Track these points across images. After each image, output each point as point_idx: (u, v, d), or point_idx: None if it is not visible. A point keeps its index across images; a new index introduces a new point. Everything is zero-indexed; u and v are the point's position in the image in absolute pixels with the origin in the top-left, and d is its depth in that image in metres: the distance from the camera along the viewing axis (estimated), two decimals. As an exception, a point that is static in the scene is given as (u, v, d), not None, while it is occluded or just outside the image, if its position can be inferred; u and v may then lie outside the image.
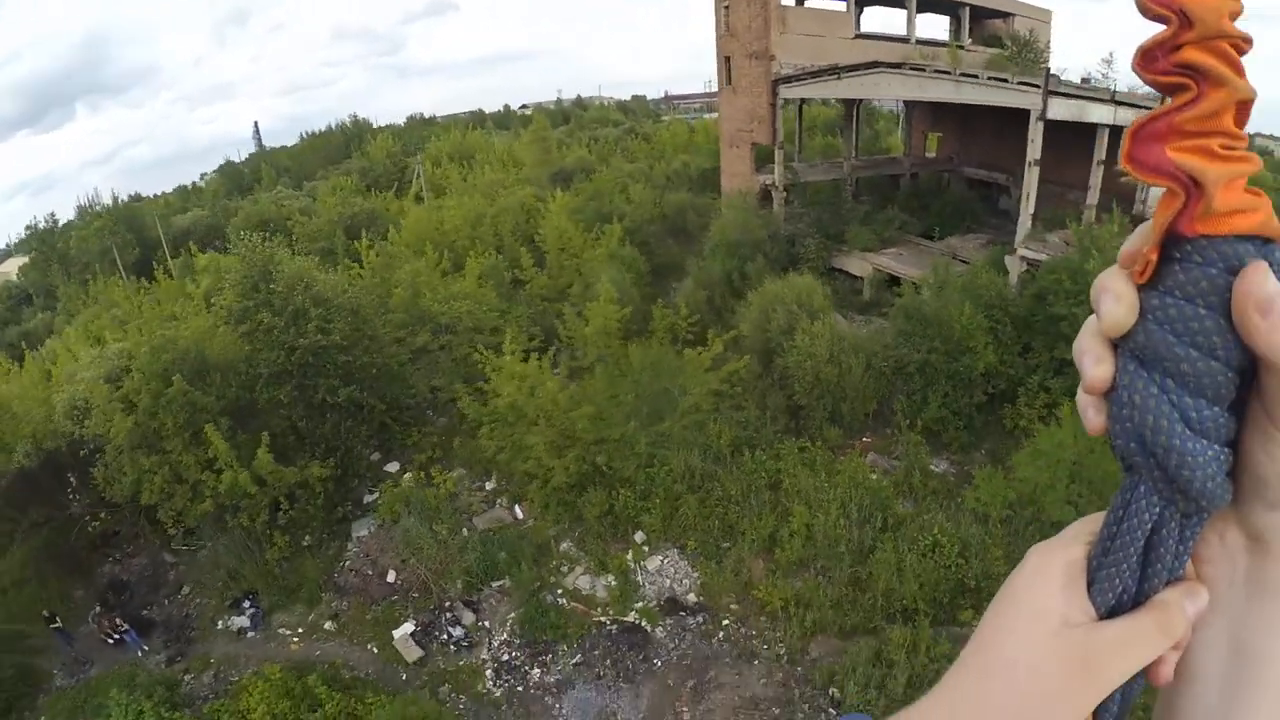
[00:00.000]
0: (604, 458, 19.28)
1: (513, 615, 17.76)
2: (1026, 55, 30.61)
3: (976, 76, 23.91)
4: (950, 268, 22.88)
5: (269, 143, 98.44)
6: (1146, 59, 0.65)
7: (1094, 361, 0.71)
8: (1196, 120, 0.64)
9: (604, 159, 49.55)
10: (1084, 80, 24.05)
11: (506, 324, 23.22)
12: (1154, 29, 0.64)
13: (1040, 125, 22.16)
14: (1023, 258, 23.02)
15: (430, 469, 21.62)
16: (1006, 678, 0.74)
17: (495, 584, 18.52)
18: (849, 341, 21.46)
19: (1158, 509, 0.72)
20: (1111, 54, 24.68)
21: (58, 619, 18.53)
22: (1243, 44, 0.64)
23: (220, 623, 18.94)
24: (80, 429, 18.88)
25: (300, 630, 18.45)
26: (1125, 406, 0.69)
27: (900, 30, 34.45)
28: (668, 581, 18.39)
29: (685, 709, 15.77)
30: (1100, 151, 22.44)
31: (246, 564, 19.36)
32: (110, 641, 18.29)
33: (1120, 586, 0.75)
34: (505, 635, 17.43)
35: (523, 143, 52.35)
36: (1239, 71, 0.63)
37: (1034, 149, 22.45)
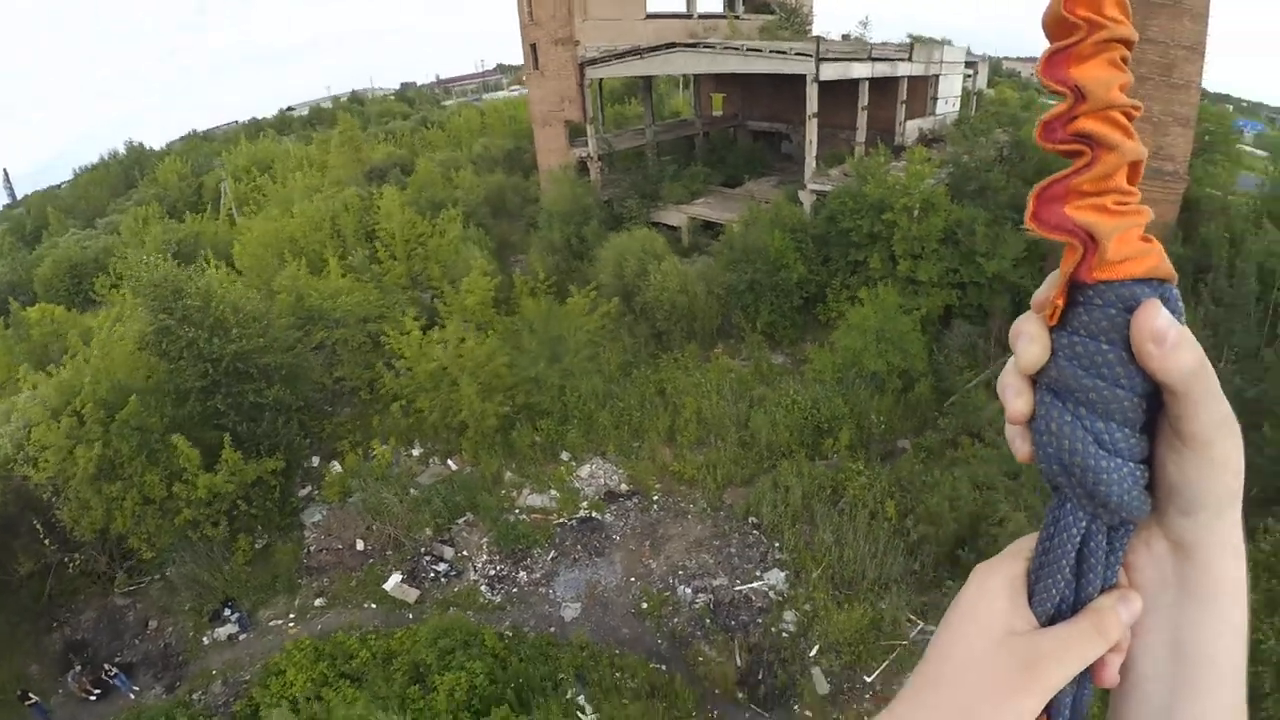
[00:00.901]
0: (523, 396, 22.91)
1: (486, 539, 20.81)
2: (795, 21, 37.25)
3: (761, 50, 29.54)
4: (758, 208, 28.73)
5: (30, 187, 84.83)
6: (1046, 130, 0.74)
7: (1014, 395, 0.81)
8: (1092, 181, 0.72)
9: (413, 151, 50.63)
10: (844, 37, 30.90)
11: (391, 310, 25.65)
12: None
13: (815, 86, 28.14)
14: (812, 191, 29.18)
15: (362, 448, 23.73)
16: (957, 685, 0.81)
17: (461, 520, 21.42)
18: (691, 275, 26.72)
19: (1084, 523, 0.80)
20: (867, 17, 31.51)
21: (30, 695, 17.93)
22: (1133, 111, 0.72)
23: (206, 637, 19.28)
24: (33, 471, 18.73)
25: (292, 616, 19.56)
26: (1044, 434, 0.78)
27: (681, 7, 38.97)
28: (601, 479, 22.50)
29: (650, 561, 20.09)
30: (863, 99, 29.38)
31: (215, 575, 19.94)
32: (92, 698, 17.98)
33: (1058, 596, 0.82)
34: (485, 556, 20.46)
35: (332, 144, 51.96)
36: (1129, 136, 0.72)
37: (811, 104, 28.44)
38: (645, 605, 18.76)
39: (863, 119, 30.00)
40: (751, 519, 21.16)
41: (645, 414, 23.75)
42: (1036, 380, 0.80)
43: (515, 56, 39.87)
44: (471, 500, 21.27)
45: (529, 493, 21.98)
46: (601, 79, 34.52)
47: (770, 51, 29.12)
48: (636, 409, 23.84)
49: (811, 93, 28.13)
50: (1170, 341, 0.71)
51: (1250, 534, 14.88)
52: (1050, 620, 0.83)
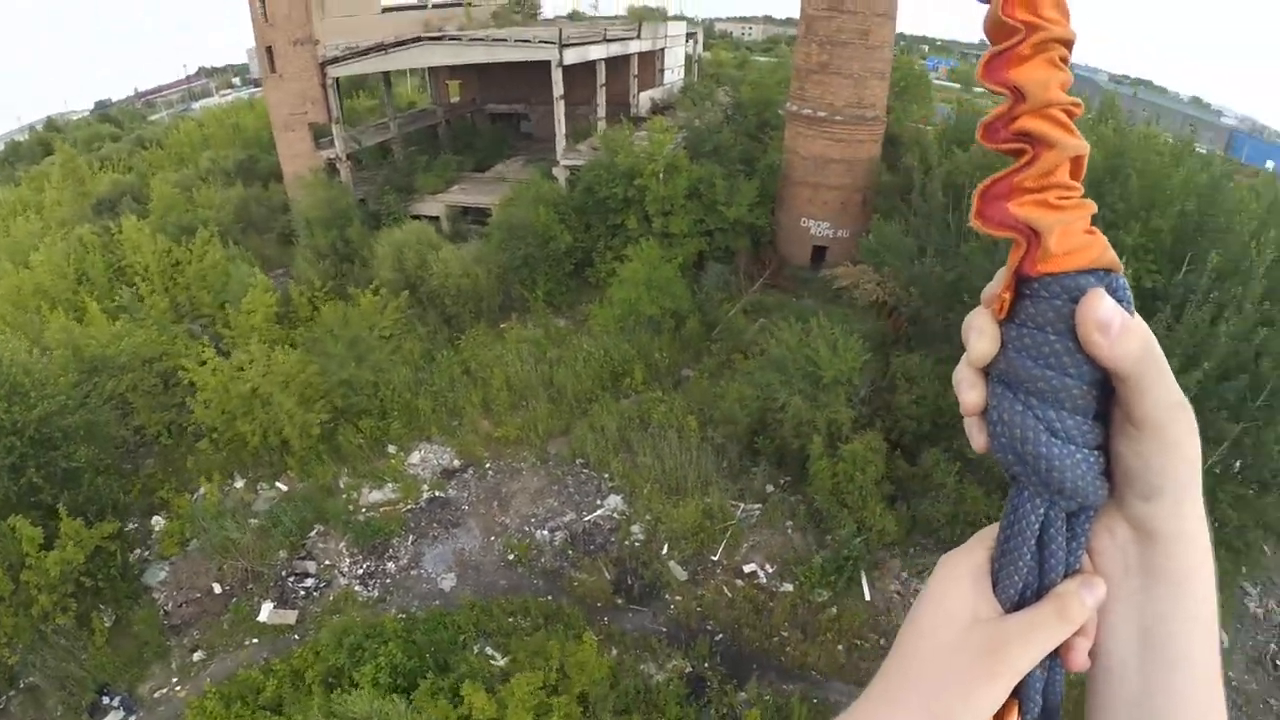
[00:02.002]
0: (340, 400, 22.68)
1: (343, 544, 20.62)
2: (526, 5, 38.17)
3: (506, 40, 30.57)
4: (521, 187, 30.24)
5: None
6: (989, 131, 0.75)
7: (968, 388, 0.82)
8: (1034, 178, 0.73)
9: (140, 175, 43.99)
10: (572, 15, 32.84)
11: (174, 345, 23.56)
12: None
13: (560, 70, 29.91)
14: (566, 166, 31.31)
15: (183, 492, 21.89)
16: (924, 676, 0.82)
17: (312, 533, 20.87)
18: (469, 259, 27.74)
19: (1042, 510, 0.81)
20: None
21: None
22: (1073, 109, 0.73)
23: (90, 734, 17.25)
24: None
25: (175, 681, 17.99)
26: (998, 424, 0.79)
27: (415, -1, 38.36)
28: (433, 461, 23.15)
29: (504, 518, 21.40)
30: (601, 77, 31.72)
31: (74, 664, 17.75)
32: None
33: (1021, 582, 0.83)
34: (348, 559, 20.33)
35: (52, 179, 43.08)
36: (1070, 132, 0.72)
37: (558, 87, 30.24)
38: (512, 556, 20.14)
39: (601, 95, 32.75)
40: (579, 460, 23.29)
41: (458, 393, 24.63)
42: (989, 372, 0.82)
43: (215, 57, 36.35)
44: (317, 512, 20.87)
45: (369, 491, 21.99)
46: (339, 77, 33.29)
47: (515, 41, 30.47)
48: (448, 390, 24.62)
49: (557, 77, 30.04)
50: (1115, 329, 0.73)
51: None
52: (1015, 607, 0.85)
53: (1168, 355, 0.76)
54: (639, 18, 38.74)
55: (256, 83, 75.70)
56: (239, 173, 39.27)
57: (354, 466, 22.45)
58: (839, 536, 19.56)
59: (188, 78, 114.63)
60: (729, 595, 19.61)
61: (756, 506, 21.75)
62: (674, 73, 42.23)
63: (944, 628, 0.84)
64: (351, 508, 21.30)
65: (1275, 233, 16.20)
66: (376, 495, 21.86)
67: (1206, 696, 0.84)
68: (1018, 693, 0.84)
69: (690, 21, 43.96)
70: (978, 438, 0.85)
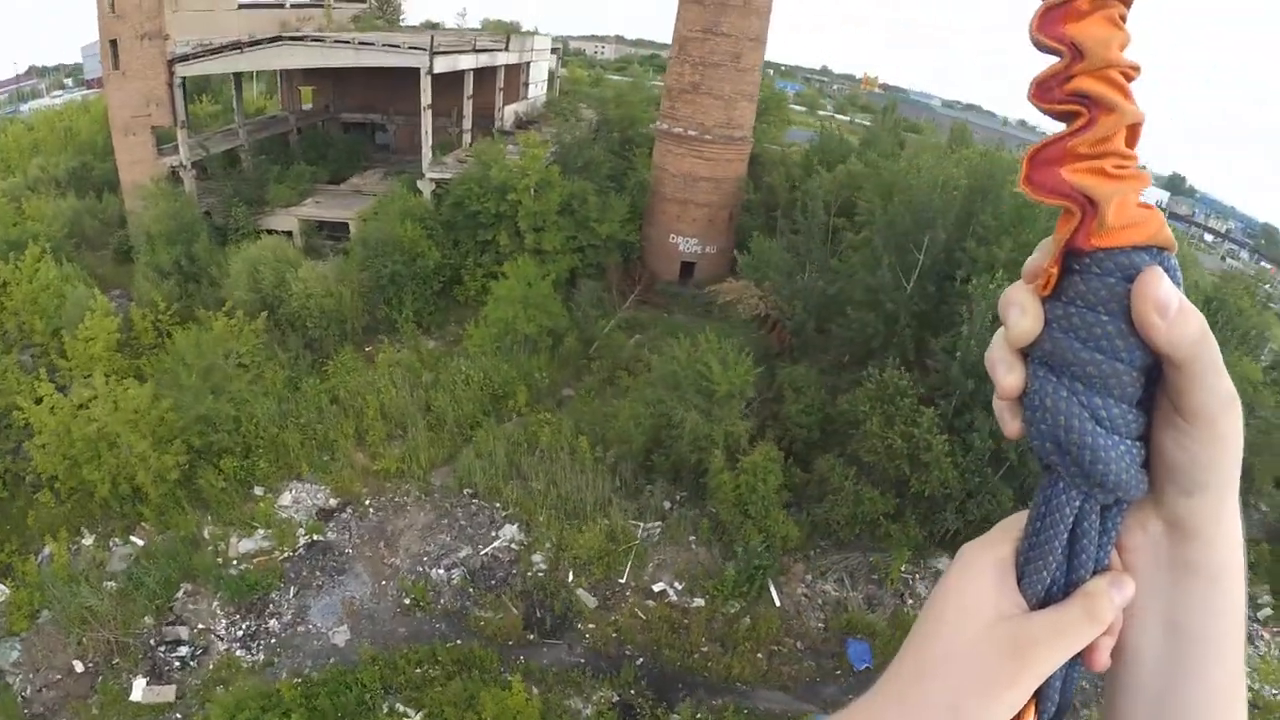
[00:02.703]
0: (198, 438, 19.57)
1: (216, 603, 17.62)
2: (388, 10, 35.29)
3: (373, 43, 28.08)
4: (386, 201, 27.84)
5: None
6: (1042, 89, 0.68)
7: (1005, 370, 0.74)
8: (1090, 144, 0.67)
9: None
10: (425, 24, 30.69)
11: (4, 380, 19.37)
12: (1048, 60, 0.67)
13: (429, 78, 27.83)
14: (432, 179, 29.24)
15: (22, 555, 17.90)
16: (940, 674, 0.75)
17: (180, 594, 17.64)
18: (331, 277, 25.10)
19: (1077, 503, 0.74)
20: (465, 9, 31.75)
21: None
22: (1131, 71, 0.67)
23: None
24: None
25: None
26: (1038, 410, 0.72)
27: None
28: (307, 501, 20.52)
29: (394, 559, 19.31)
30: (468, 88, 29.82)
31: None
32: None
33: (1049, 578, 0.76)
34: (224, 620, 17.41)
35: None
36: (1129, 97, 0.67)
37: (426, 96, 28.24)
38: (408, 600, 18.20)
39: (468, 107, 31.02)
40: (467, 490, 21.62)
41: (328, 425, 22.10)
42: (1028, 354, 0.74)
43: (50, 55, 30.65)
44: (183, 568, 17.83)
45: (238, 540, 19.09)
46: (186, 78, 29.21)
47: (384, 46, 28.21)
48: (317, 422, 22.03)
49: (426, 85, 28.08)
50: (1173, 311, 0.67)
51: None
52: (1041, 603, 0.77)
53: None
54: (505, 31, 37.49)
55: (91, 84, 68.62)
56: (71, 181, 33.87)
57: (218, 513, 19.42)
58: (748, 547, 19.40)
59: (16, 77, 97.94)
60: (643, 617, 18.82)
61: (657, 524, 21.16)
62: (538, 87, 41.50)
63: (965, 624, 0.76)
64: (221, 560, 18.40)
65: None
66: (248, 544, 18.96)
67: (1234, 692, 0.79)
68: (1036, 692, 0.76)
69: (552, 39, 43.45)
70: (1011, 423, 0.77)
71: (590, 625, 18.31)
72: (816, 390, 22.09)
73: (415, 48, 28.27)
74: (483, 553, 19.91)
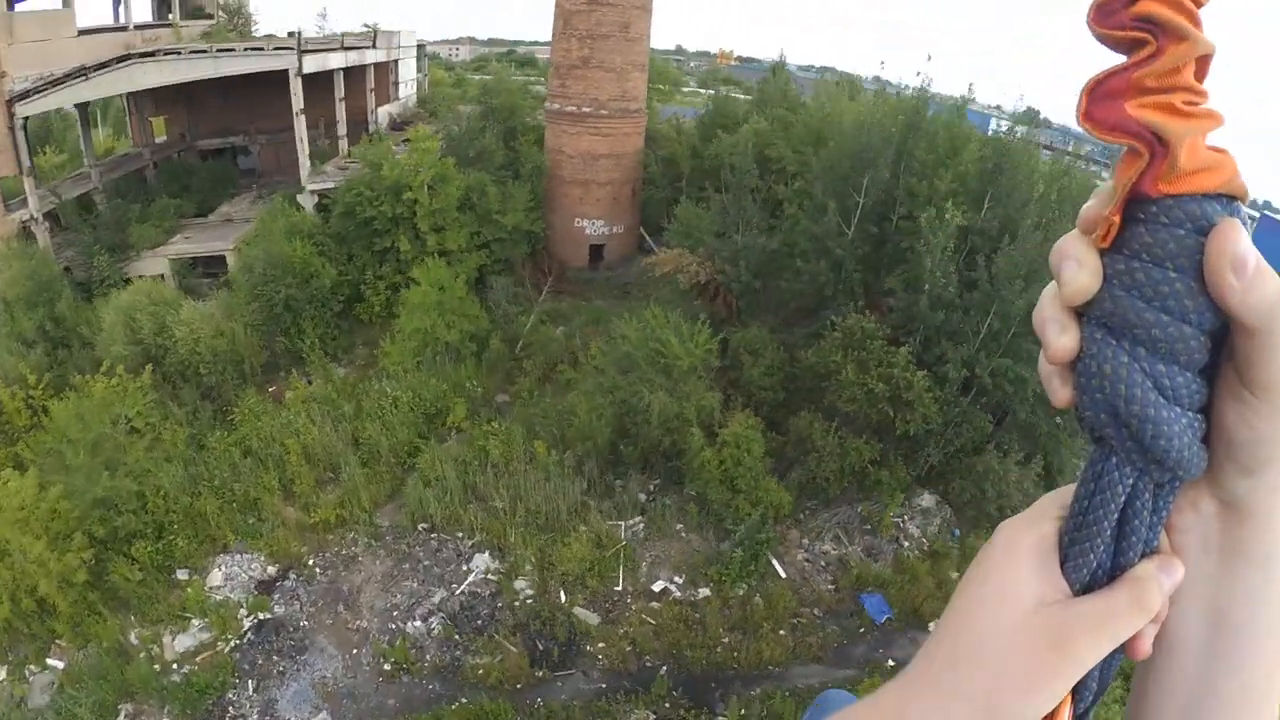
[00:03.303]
0: (99, 527, 15.70)
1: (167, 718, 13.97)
2: (238, 22, 30.56)
3: (234, 49, 23.91)
4: (268, 222, 23.83)
5: None
6: (1102, 13, 0.59)
7: (1058, 330, 0.65)
8: (1157, 76, 0.58)
9: None
10: (291, 34, 26.55)
11: None
12: None
13: (299, 79, 24.05)
14: (314, 192, 25.40)
15: None
16: (977, 662, 0.68)
17: (121, 718, 13.87)
18: (219, 315, 21.20)
19: (1131, 480, 0.66)
20: (325, 10, 27.66)
21: None
22: None
23: None
24: None
25: None
26: (1094, 376, 0.63)
27: (112, 20, 29.66)
28: (241, 575, 17.01)
29: (359, 621, 16.27)
30: (340, 89, 26.07)
31: None
32: None
33: (1095, 562, 0.69)
34: None
35: None
36: (1199, 25, 0.58)
37: (298, 100, 24.45)
38: (389, 665, 15.33)
39: (342, 110, 27.31)
40: (422, 525, 18.77)
41: (246, 482, 18.52)
42: (1084, 314, 0.65)
43: None
44: (117, 686, 14.17)
45: (173, 638, 15.44)
46: (30, 116, 24.06)
47: (246, 50, 24.15)
48: (234, 481, 18.42)
49: (296, 87, 24.31)
50: (1250, 270, 0.58)
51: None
52: (1085, 588, 0.69)
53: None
54: (371, 29, 33.62)
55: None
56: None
57: (142, 611, 15.70)
58: (746, 523, 17.79)
59: None
60: (653, 622, 16.81)
61: (639, 520, 19.16)
62: (408, 87, 37.91)
63: (1004, 610, 0.68)
64: (159, 667, 14.82)
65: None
66: (185, 641, 15.39)
67: (1267, 691, 0.72)
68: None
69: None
70: (1060, 391, 0.67)
71: (600, 644, 16.11)
72: (774, 350, 20.75)
73: (282, 48, 24.58)
74: (458, 592, 17.19)
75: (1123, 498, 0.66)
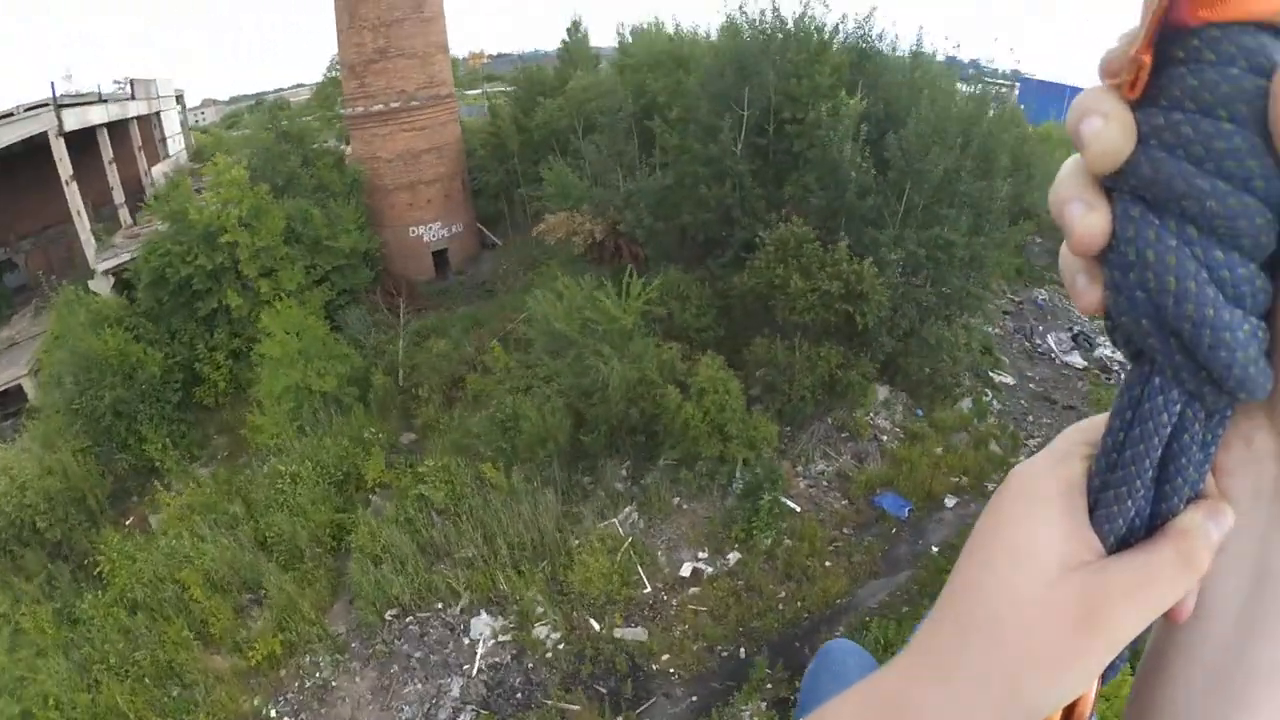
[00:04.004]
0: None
1: None
2: None
3: None
4: (58, 319, 17.46)
5: None
6: None
7: (1084, 209, 0.47)
8: None
9: None
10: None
11: None
12: None
13: (62, 142, 17.95)
14: (107, 272, 18.88)
15: None
16: (992, 640, 0.52)
17: None
18: (33, 456, 15.17)
19: (1178, 406, 0.49)
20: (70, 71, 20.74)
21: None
22: None
23: None
24: None
25: None
26: (1133, 268, 0.45)
27: None
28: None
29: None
30: (108, 151, 19.37)
31: None
32: None
33: (1132, 509, 0.52)
34: None
35: None
36: None
37: (65, 167, 18.73)
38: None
39: (114, 174, 20.77)
40: (390, 613, 14.65)
41: (147, 645, 13.22)
42: (1114, 187, 0.46)
43: None
44: None
45: None
46: None
47: None
48: (132, 650, 13.03)
49: (61, 151, 18.49)
50: None
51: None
52: (1119, 543, 0.52)
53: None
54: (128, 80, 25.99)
55: None
56: None
57: None
58: (749, 468, 15.76)
59: None
60: (704, 608, 14.28)
61: (630, 509, 16.43)
62: (176, 142, 30.85)
63: (1023, 575, 0.52)
64: None
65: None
66: None
67: None
68: None
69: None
70: (1088, 291, 0.49)
71: (664, 657, 13.33)
72: (699, 288, 18.77)
73: (35, 108, 18.44)
74: (475, 672, 13.46)
75: (1168, 429, 0.49)
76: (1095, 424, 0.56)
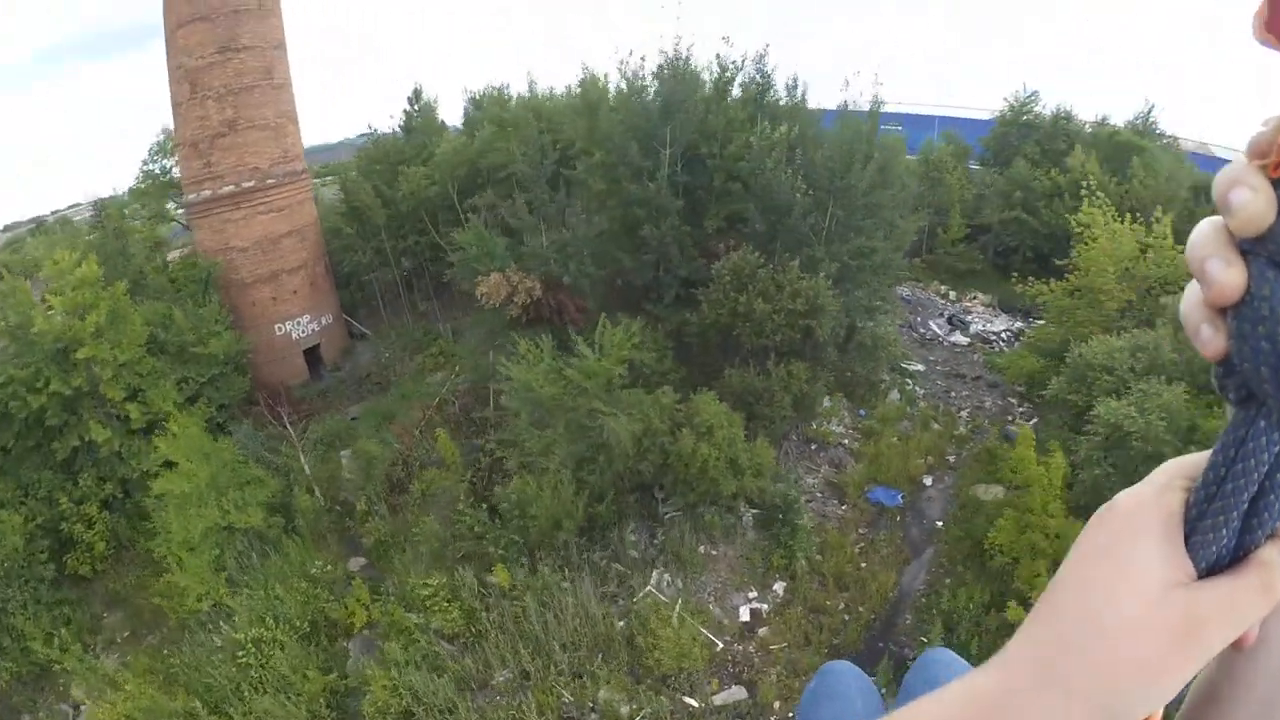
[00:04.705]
0: None
1: None
2: None
3: None
4: None
5: None
6: None
7: (1222, 266, 0.51)
8: None
9: None
10: None
11: None
12: None
13: None
14: None
15: None
16: (1094, 651, 0.54)
17: None
18: None
19: (1278, 448, 0.52)
20: None
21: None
22: None
23: None
24: None
25: None
26: (1264, 321, 0.49)
27: None
28: None
29: None
30: None
31: None
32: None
33: (1226, 539, 0.55)
34: None
35: None
36: None
37: None
38: None
39: None
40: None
41: None
42: (1250, 250, 0.52)
43: None
44: None
45: None
46: None
47: None
48: None
49: None
50: None
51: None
52: (1209, 570, 0.57)
53: None
54: None
55: None
56: None
57: None
58: (772, 500, 15.05)
59: None
60: (783, 643, 13.14)
61: (660, 571, 14.81)
62: None
63: (1127, 592, 0.55)
64: None
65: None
66: None
67: None
68: None
69: None
70: (1214, 340, 0.53)
71: (776, 702, 11.98)
72: (651, 331, 17.84)
73: None
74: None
75: (1266, 467, 0.53)
76: (1193, 460, 0.59)
